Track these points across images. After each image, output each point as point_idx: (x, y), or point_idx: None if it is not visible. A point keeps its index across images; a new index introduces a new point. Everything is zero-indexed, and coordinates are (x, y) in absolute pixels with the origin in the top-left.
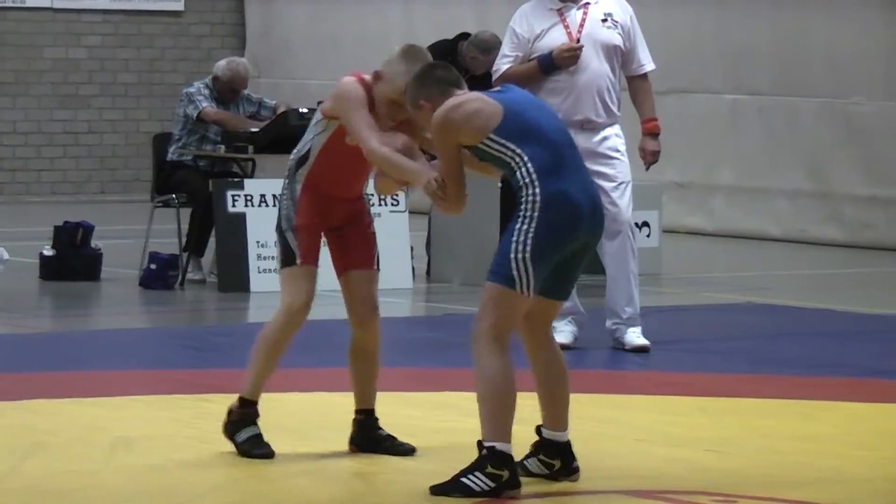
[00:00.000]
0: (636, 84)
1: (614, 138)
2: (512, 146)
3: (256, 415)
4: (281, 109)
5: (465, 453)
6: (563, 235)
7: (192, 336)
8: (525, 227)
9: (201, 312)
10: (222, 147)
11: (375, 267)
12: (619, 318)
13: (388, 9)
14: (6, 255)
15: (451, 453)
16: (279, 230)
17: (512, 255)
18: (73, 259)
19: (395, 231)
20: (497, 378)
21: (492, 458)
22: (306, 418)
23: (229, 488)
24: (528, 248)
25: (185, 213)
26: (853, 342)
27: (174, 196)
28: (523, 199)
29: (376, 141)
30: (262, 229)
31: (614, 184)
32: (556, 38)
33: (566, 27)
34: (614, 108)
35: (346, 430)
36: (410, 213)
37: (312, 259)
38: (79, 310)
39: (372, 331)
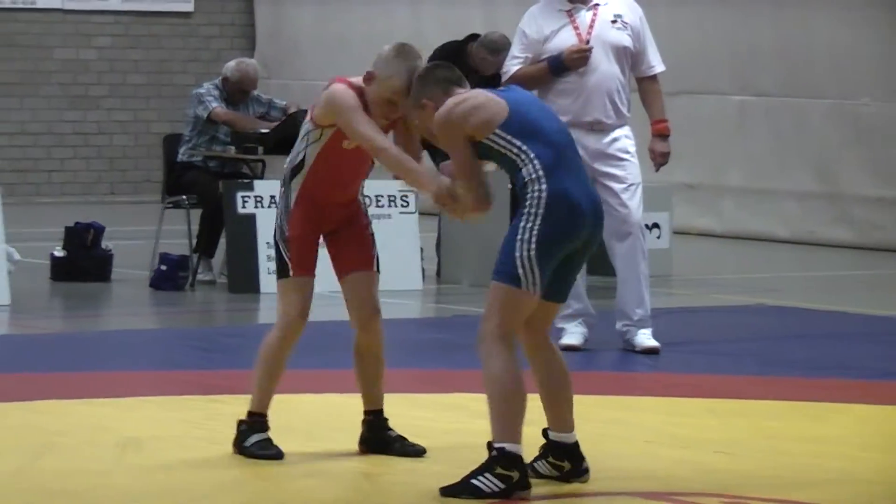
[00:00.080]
0: (646, 85)
1: (624, 140)
2: (518, 143)
3: (266, 426)
4: (292, 110)
5: (473, 454)
6: (566, 234)
7: (202, 337)
8: (529, 224)
9: (211, 313)
10: (232, 148)
11: (375, 268)
12: (630, 320)
13: (397, 10)
14: (17, 256)
15: (459, 455)
16: (275, 240)
17: (517, 254)
18: (83, 260)
19: (404, 232)
20: (505, 378)
21: (501, 460)
22: (315, 419)
23: (238, 489)
24: (534, 247)
25: (196, 214)
26: (862, 344)
27: (184, 197)
28: (529, 196)
29: (384, 140)
30: (272, 230)
31: (624, 185)
32: (565, 40)
33: (576, 28)
34: (624, 110)
35: (355, 431)
36: (420, 214)
37: (306, 269)
38: (89, 310)
39: (374, 332)
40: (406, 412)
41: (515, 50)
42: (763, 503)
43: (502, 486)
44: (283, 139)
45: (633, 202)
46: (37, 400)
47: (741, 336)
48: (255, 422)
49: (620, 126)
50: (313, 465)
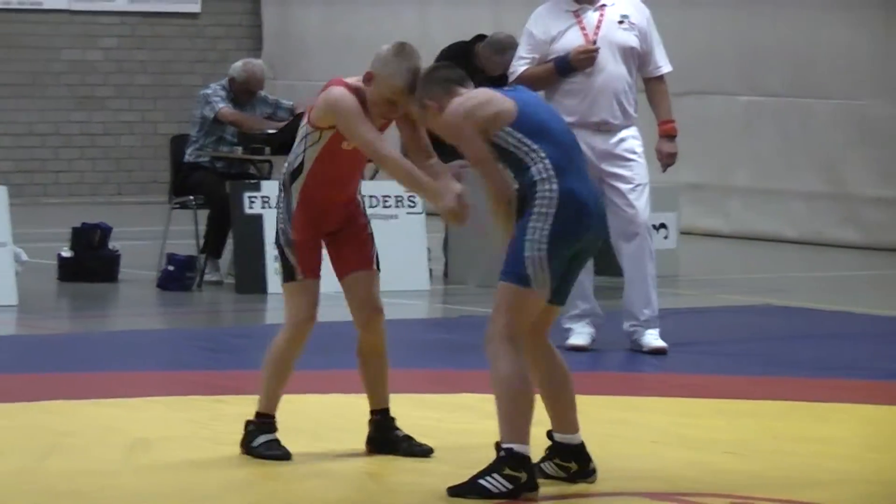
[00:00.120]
0: (653, 86)
1: (631, 140)
2: (528, 141)
3: (274, 427)
4: (298, 110)
5: (481, 455)
6: (574, 234)
7: (210, 337)
8: (539, 224)
9: (218, 314)
10: (239, 149)
11: (375, 267)
12: (637, 320)
13: (404, 11)
14: (24, 257)
15: (466, 455)
16: (278, 245)
17: (527, 254)
18: (90, 260)
19: (411, 233)
20: (513, 379)
21: (510, 460)
22: (322, 420)
23: (245, 489)
24: (545, 246)
25: (203, 214)
26: (869, 344)
27: (191, 197)
28: (538, 195)
29: (388, 148)
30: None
31: (631, 185)
32: (572, 40)
33: (582, 29)
34: (631, 110)
35: (362, 431)
36: (427, 214)
37: (313, 272)
38: (96, 311)
39: (377, 331)
40: (413, 412)
41: (522, 50)
42: (770, 503)
43: (510, 486)
44: (289, 140)
45: (640, 202)
46: (44, 400)
47: (748, 336)
48: (263, 423)
49: (627, 126)
50: (320, 465)
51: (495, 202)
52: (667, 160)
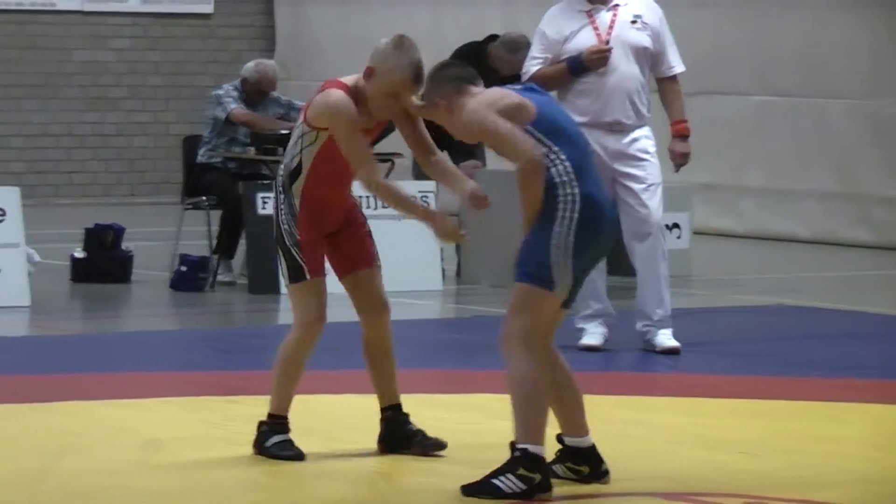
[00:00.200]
0: (665, 86)
1: (644, 140)
2: (549, 142)
3: (287, 428)
4: None
5: (493, 455)
6: (594, 237)
7: (222, 338)
8: (564, 229)
9: (231, 314)
10: (252, 149)
11: (377, 263)
12: (650, 320)
13: (416, 11)
14: (37, 258)
15: (479, 455)
16: (283, 246)
17: (551, 258)
18: (103, 261)
19: (424, 233)
20: (529, 380)
21: (524, 460)
22: (334, 420)
23: (259, 489)
24: (570, 250)
25: (215, 215)
26: (882, 344)
27: (204, 198)
28: (560, 199)
29: (377, 172)
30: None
31: (644, 185)
32: (585, 40)
33: (595, 29)
34: (644, 110)
35: (374, 431)
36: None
37: (321, 271)
38: (109, 312)
39: (384, 327)
40: (425, 412)
41: (535, 50)
42: (783, 503)
43: (524, 487)
44: None
45: (653, 202)
46: (57, 401)
47: (761, 336)
48: (275, 423)
49: (640, 126)
50: (333, 465)
51: (529, 168)
52: (679, 160)
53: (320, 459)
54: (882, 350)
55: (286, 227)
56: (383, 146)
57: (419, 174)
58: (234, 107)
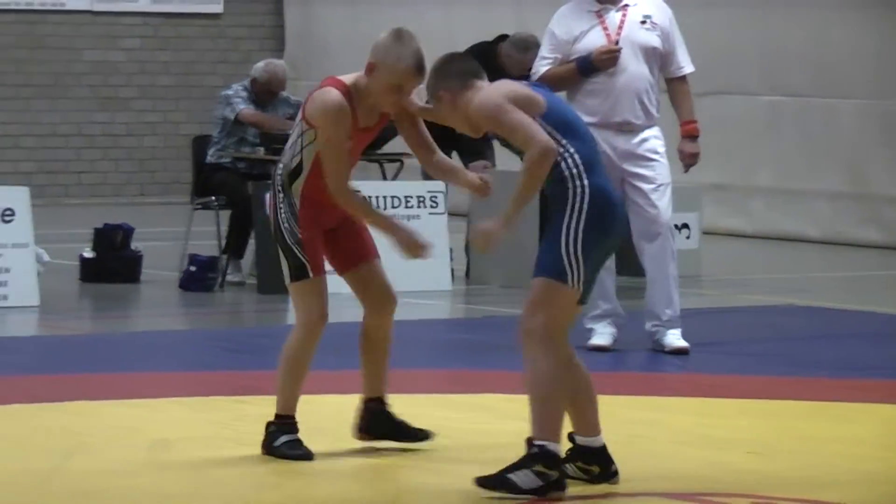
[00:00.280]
0: (675, 86)
1: (653, 140)
2: (558, 136)
3: (296, 428)
4: None
5: (501, 454)
6: (605, 231)
7: (232, 338)
8: (574, 221)
9: (240, 314)
10: (261, 149)
11: (377, 255)
12: (659, 321)
13: (427, 11)
14: (46, 257)
15: (488, 454)
16: (284, 245)
17: (563, 250)
18: (112, 261)
19: (434, 233)
20: (551, 378)
21: (542, 457)
22: (342, 420)
23: (268, 489)
24: (580, 242)
25: (225, 215)
26: (891, 344)
27: (213, 198)
28: (570, 192)
29: (347, 180)
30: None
31: (653, 185)
32: (594, 40)
33: (605, 29)
34: (653, 110)
35: None
36: (449, 215)
37: (322, 269)
38: (118, 311)
39: (388, 320)
40: (435, 412)
41: (545, 51)
42: (792, 503)
43: (540, 483)
44: None
45: (663, 202)
46: (66, 401)
47: (770, 336)
48: (283, 423)
49: (649, 126)
50: (342, 465)
51: (542, 157)
52: (689, 160)
53: (329, 459)
54: (891, 351)
55: (287, 225)
56: (393, 146)
57: (428, 174)
58: (243, 107)
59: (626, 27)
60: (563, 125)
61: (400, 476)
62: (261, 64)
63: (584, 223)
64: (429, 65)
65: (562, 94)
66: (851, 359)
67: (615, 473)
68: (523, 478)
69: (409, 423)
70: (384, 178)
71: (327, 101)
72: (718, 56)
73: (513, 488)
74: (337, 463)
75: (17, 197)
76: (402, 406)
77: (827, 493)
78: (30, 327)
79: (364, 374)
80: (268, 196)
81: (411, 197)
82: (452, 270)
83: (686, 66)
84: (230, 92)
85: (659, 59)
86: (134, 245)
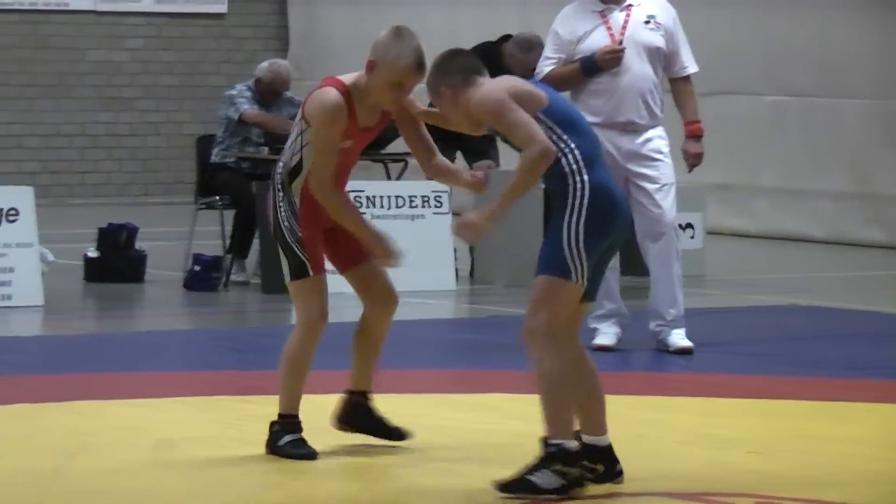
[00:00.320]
0: (679, 86)
1: (657, 140)
2: (559, 132)
3: (300, 427)
4: None
5: (506, 454)
6: (607, 226)
7: (236, 338)
8: (575, 218)
9: (245, 314)
10: (265, 149)
11: None
12: (663, 320)
13: (431, 11)
14: (50, 257)
15: (492, 454)
16: (284, 243)
17: (565, 246)
18: (116, 261)
19: (438, 233)
20: (560, 375)
21: (561, 456)
22: None
23: (271, 488)
24: (581, 237)
25: (229, 214)
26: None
27: (217, 198)
28: (571, 188)
29: (333, 187)
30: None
31: (657, 185)
32: (598, 40)
33: (609, 29)
34: (657, 110)
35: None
36: (454, 214)
37: (322, 268)
38: (122, 311)
39: (387, 318)
40: (438, 412)
41: (548, 51)
42: (795, 503)
43: (562, 482)
44: None
45: (667, 202)
46: (70, 401)
47: (774, 336)
48: (287, 423)
49: (653, 126)
50: (346, 464)
51: (540, 157)
52: (693, 160)
53: (332, 458)
54: (894, 351)
55: (287, 224)
56: (396, 146)
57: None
58: (247, 107)
59: (629, 27)
60: (565, 120)
61: (403, 475)
62: (265, 64)
63: (585, 219)
64: (430, 63)
65: (565, 94)
66: (855, 359)
67: (620, 473)
68: (544, 478)
69: (388, 420)
70: (388, 177)
71: (325, 100)
72: (722, 56)
73: (534, 490)
74: (340, 462)
75: (21, 197)
76: (405, 405)
77: (829, 492)
78: (34, 327)
79: (353, 366)
80: (267, 195)
81: (415, 197)
82: (457, 270)
83: (690, 65)
84: (234, 92)
85: (663, 58)
86: (138, 245)
